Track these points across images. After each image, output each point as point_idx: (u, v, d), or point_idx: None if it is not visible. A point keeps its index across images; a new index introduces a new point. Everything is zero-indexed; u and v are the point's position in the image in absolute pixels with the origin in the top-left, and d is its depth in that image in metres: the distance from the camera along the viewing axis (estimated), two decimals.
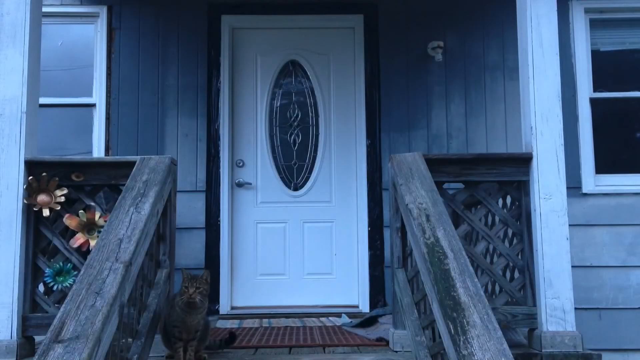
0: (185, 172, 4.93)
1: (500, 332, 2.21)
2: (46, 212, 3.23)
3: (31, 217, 3.28)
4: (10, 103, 3.28)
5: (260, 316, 4.83)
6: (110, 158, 4.57)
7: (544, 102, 3.29)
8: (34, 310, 3.28)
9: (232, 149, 5.17)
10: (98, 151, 4.97)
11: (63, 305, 2.27)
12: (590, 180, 4.90)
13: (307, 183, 5.35)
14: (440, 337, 2.43)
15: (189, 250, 4.83)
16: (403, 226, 3.20)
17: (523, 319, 3.24)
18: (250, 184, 5.27)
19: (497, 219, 3.43)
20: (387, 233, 4.81)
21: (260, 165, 5.34)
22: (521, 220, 3.36)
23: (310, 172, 5.35)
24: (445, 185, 3.36)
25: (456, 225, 3.23)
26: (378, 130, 5.09)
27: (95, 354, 2.10)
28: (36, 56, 3.44)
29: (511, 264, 3.38)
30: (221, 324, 4.45)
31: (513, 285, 3.31)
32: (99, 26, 5.11)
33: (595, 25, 5.12)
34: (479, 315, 2.26)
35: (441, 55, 5.07)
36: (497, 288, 3.48)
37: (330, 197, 5.33)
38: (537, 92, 3.30)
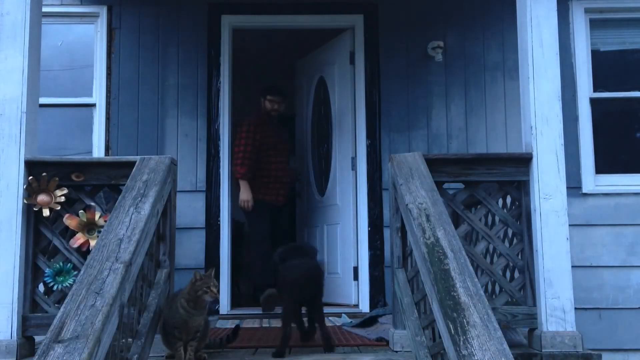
0: (185, 172, 4.92)
1: (500, 332, 2.21)
2: (46, 212, 3.23)
3: (31, 217, 3.28)
4: (10, 103, 3.28)
5: (260, 316, 4.83)
6: (110, 158, 4.58)
7: (544, 102, 3.29)
8: (34, 310, 3.28)
9: (232, 149, 5.17)
10: (98, 151, 4.97)
11: (63, 305, 2.27)
12: (590, 180, 4.90)
13: (328, 187, 5.53)
14: (440, 337, 2.43)
15: (189, 250, 4.83)
16: (403, 226, 3.20)
17: (523, 319, 3.24)
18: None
19: (497, 219, 3.43)
20: (387, 233, 4.81)
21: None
22: (521, 220, 3.36)
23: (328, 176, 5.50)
24: (445, 185, 3.36)
25: (456, 225, 3.23)
26: (378, 130, 5.08)
27: (95, 354, 2.10)
28: (36, 56, 3.44)
29: (511, 264, 3.38)
30: (221, 324, 4.45)
31: (513, 285, 3.31)
32: (99, 26, 5.10)
33: (595, 25, 5.11)
34: (479, 315, 2.26)
35: (441, 55, 5.07)
36: (497, 288, 3.48)
37: (337, 198, 5.36)
38: (537, 92, 3.30)
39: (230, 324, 4.38)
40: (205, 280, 2.87)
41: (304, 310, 3.48)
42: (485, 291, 3.42)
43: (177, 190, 3.54)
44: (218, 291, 2.88)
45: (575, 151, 4.88)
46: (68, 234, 3.30)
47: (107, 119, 5.00)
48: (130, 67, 5.06)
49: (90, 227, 3.26)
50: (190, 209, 4.89)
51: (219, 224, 4.96)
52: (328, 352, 3.21)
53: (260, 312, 4.92)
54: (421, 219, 2.78)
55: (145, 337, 2.82)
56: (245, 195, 4.96)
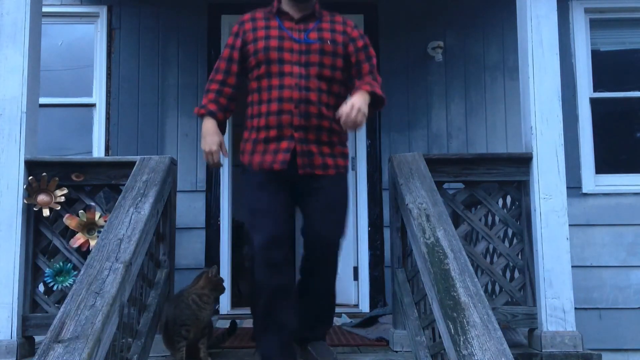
0: (185, 172, 4.92)
1: (500, 332, 2.21)
2: (46, 212, 3.23)
3: (31, 217, 3.28)
4: (10, 103, 3.28)
5: None
6: (110, 158, 4.57)
7: (544, 102, 3.29)
8: (34, 310, 3.28)
9: (232, 149, 5.17)
10: (98, 151, 4.97)
11: (63, 305, 2.27)
12: (590, 180, 4.90)
13: None
14: (440, 337, 2.43)
15: (189, 250, 4.83)
16: (403, 226, 3.20)
17: (523, 319, 3.24)
18: None
19: (497, 219, 3.43)
20: (387, 233, 4.81)
21: None
22: (521, 220, 3.36)
23: None
24: (445, 185, 3.36)
25: (456, 225, 3.23)
26: (378, 130, 5.08)
27: (95, 354, 2.10)
28: (36, 56, 3.44)
29: (511, 264, 3.38)
30: (221, 324, 4.45)
31: (513, 285, 3.31)
32: (99, 26, 5.10)
33: (595, 25, 5.12)
34: (479, 315, 2.26)
35: (441, 55, 5.07)
36: (497, 288, 3.48)
37: None
38: (537, 92, 3.30)
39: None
40: (217, 273, 3.07)
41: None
42: (485, 291, 3.42)
43: (177, 190, 3.54)
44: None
45: (575, 151, 4.88)
46: (68, 234, 3.30)
47: (107, 119, 5.00)
48: (130, 67, 5.06)
49: (90, 227, 3.26)
50: (190, 209, 4.89)
51: (219, 224, 4.96)
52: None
53: None
54: (421, 219, 2.78)
55: (145, 337, 2.82)
56: (206, 142, 2.82)
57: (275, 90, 2.73)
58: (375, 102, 2.73)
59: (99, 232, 3.19)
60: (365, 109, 2.61)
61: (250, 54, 2.82)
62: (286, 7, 2.87)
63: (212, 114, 2.84)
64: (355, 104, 2.58)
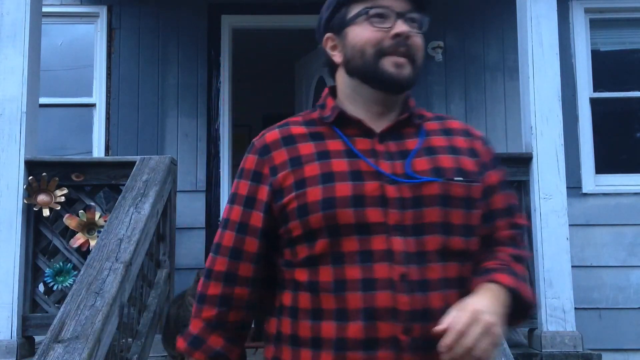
0: (185, 172, 4.92)
1: None
2: (46, 212, 3.24)
3: (31, 217, 3.29)
4: (10, 103, 3.29)
5: None
6: (110, 158, 4.57)
7: (544, 102, 3.30)
8: (34, 310, 3.28)
9: (232, 149, 5.17)
10: (98, 151, 4.96)
11: (63, 305, 2.28)
12: (590, 180, 4.89)
13: None
14: None
15: (189, 250, 4.82)
16: None
17: None
18: None
19: None
20: None
21: None
22: None
23: None
24: None
25: None
26: None
27: (95, 354, 2.10)
28: (36, 56, 3.44)
29: None
30: None
31: None
32: (99, 26, 5.10)
33: (595, 25, 5.11)
34: None
35: (441, 55, 5.06)
36: None
37: None
38: (537, 92, 3.31)
39: None
40: None
41: None
42: None
43: (177, 190, 3.55)
44: None
45: (575, 151, 4.88)
46: (68, 234, 3.30)
47: (107, 119, 5.00)
48: (130, 67, 5.06)
49: (90, 227, 3.26)
50: (190, 209, 4.88)
51: (219, 224, 4.95)
52: None
53: None
54: None
55: (145, 337, 2.82)
56: None
57: (357, 294, 1.22)
58: (517, 307, 1.32)
59: (99, 232, 3.19)
60: (498, 328, 1.18)
61: (293, 214, 1.30)
62: (355, 107, 1.37)
63: (217, 358, 1.35)
64: (484, 320, 1.16)
